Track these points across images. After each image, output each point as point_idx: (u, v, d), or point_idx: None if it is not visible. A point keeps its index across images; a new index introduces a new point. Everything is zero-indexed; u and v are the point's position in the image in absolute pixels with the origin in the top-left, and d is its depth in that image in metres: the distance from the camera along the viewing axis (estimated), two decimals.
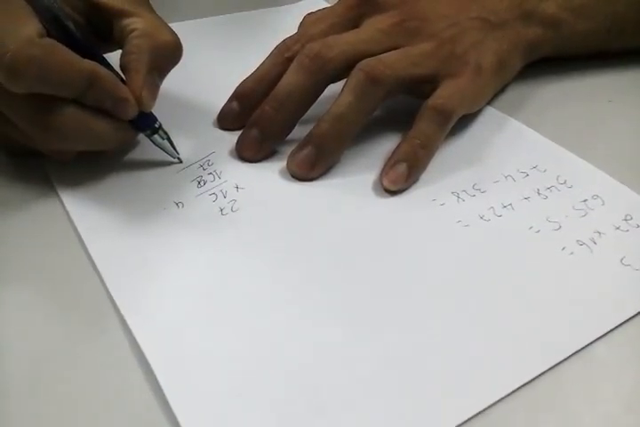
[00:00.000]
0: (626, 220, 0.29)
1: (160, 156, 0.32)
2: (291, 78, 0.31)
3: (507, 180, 0.31)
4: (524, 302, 0.26)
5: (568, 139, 0.34)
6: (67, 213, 0.29)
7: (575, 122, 0.36)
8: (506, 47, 0.35)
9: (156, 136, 0.31)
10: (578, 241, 0.28)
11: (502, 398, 0.23)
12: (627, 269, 0.27)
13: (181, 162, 0.32)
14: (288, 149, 0.32)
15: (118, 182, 0.31)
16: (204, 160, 0.32)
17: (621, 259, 0.27)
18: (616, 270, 0.27)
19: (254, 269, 0.27)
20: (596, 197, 0.30)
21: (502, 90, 0.37)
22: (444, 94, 0.32)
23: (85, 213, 0.29)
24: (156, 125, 0.31)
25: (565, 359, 0.24)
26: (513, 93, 0.38)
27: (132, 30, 0.29)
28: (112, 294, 0.26)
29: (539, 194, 0.31)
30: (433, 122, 0.31)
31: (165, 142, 0.31)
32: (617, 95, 0.38)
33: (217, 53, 0.41)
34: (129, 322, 0.24)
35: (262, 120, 0.32)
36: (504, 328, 0.25)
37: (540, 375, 0.23)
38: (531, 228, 0.29)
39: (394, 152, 0.32)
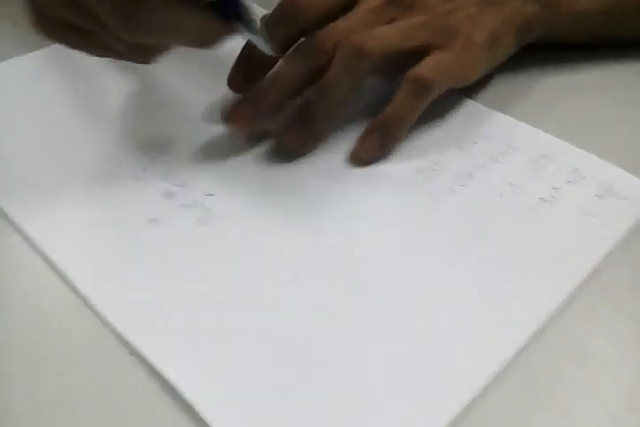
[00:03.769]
0: (574, 173, 0.32)
1: (113, 174, 0.31)
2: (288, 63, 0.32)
3: (462, 151, 0.33)
4: (508, 264, 0.27)
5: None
6: (34, 244, 0.28)
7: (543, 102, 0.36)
8: (500, 23, 0.34)
9: (251, 24, 0.27)
10: (540, 198, 0.30)
11: (502, 397, 0.23)
12: (586, 218, 0.30)
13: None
14: (243, 151, 0.32)
15: (79, 207, 0.29)
16: (165, 172, 0.31)
17: (580, 208, 0.30)
18: (577, 220, 0.29)
19: (247, 273, 0.27)
20: (543, 155, 0.33)
21: (492, 83, 0.37)
22: (426, 65, 0.31)
23: (55, 245, 0.28)
24: (248, 17, 0.27)
25: (566, 358, 0.24)
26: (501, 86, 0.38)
27: None
28: (118, 328, 0.25)
29: (493, 160, 0.33)
30: (411, 93, 0.31)
31: (258, 35, 0.28)
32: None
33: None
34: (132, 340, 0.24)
35: (258, 92, 0.32)
36: (490, 293, 0.26)
37: (540, 375, 0.24)
38: (496, 193, 0.31)
39: (370, 124, 0.32)
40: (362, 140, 0.32)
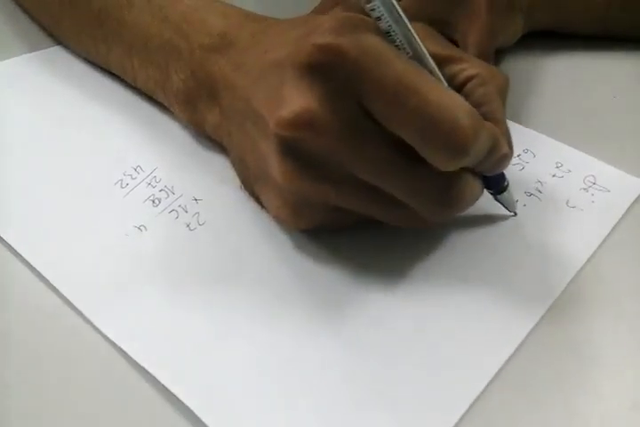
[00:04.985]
0: (557, 167, 0.32)
1: (97, 181, 0.30)
2: None
3: None
4: (502, 259, 0.28)
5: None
6: (22, 259, 0.27)
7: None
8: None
9: (504, 193, 0.28)
10: (526, 193, 0.31)
11: (503, 397, 0.23)
12: (574, 211, 0.30)
13: (516, 215, 0.30)
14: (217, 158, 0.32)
15: (64, 216, 0.29)
16: (150, 177, 0.31)
17: (566, 202, 0.30)
18: (566, 214, 0.30)
19: (242, 279, 0.27)
20: (526, 150, 0.33)
21: None
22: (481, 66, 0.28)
23: (42, 256, 0.27)
24: (506, 183, 0.28)
25: (567, 357, 0.24)
26: None
27: (470, 77, 0.26)
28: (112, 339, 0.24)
29: None
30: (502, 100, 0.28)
31: (511, 197, 0.29)
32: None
33: None
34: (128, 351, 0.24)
35: None
36: (487, 289, 0.26)
37: (541, 374, 0.24)
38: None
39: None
40: None
